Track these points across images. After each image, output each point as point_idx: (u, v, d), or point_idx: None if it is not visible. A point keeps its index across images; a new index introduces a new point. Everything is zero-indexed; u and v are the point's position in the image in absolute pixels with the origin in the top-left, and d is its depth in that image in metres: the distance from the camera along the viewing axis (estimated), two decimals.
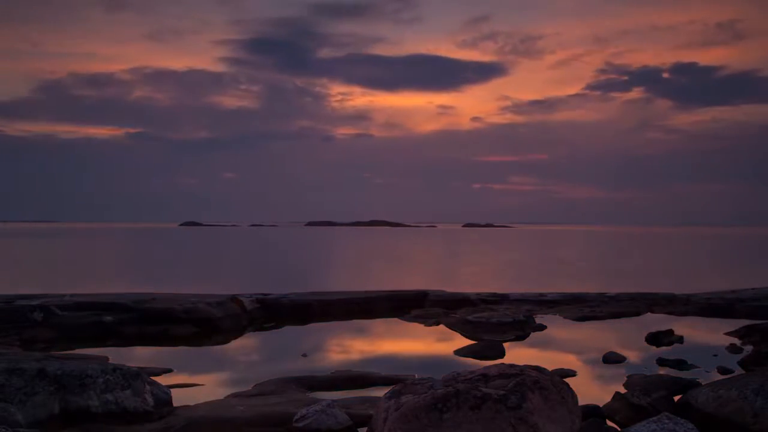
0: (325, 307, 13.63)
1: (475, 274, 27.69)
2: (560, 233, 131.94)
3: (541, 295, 15.27)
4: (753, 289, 15.33)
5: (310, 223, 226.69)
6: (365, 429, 5.36)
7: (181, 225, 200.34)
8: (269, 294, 14.18)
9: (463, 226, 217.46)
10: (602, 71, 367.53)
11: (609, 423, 6.11)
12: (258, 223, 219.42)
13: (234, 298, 12.77)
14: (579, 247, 59.46)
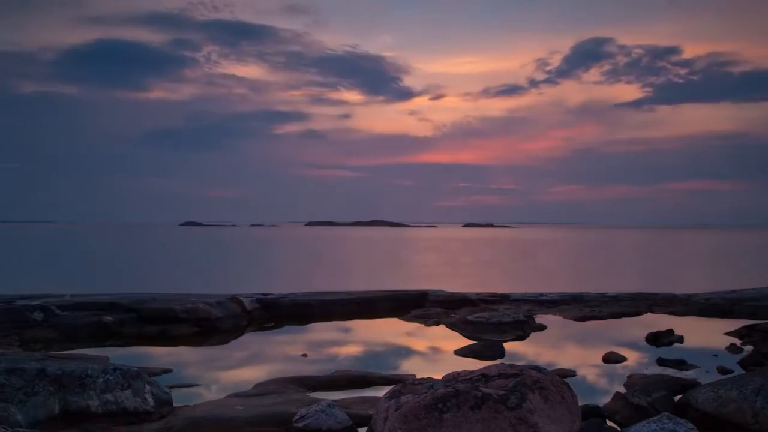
0: (325, 307, 13.61)
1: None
2: (566, 234, 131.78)
3: (541, 295, 15.28)
4: (753, 289, 15.34)
5: (310, 223, 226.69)
6: (365, 429, 5.36)
7: (181, 225, 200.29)
8: (269, 294, 14.17)
9: (463, 226, 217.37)
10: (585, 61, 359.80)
11: (609, 423, 6.11)
12: (258, 223, 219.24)
13: (234, 298, 12.77)
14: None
